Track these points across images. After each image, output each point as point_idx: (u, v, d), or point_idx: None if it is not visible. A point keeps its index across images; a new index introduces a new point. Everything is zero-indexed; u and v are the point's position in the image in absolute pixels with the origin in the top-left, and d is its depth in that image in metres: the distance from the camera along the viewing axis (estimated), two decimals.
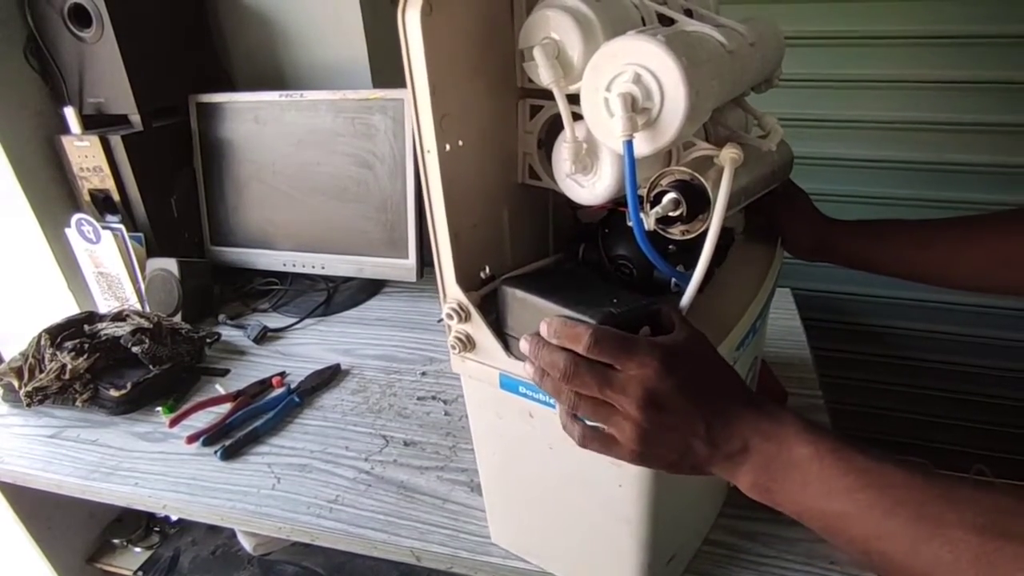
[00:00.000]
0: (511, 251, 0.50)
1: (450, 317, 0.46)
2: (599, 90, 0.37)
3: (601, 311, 0.39)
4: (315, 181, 1.04)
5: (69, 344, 0.82)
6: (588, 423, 0.39)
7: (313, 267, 1.08)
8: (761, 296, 0.49)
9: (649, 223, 0.39)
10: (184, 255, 1.02)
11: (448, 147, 0.41)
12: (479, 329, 0.45)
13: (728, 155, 0.39)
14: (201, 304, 1.03)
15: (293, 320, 1.02)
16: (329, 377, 0.86)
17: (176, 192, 1.08)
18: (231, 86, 1.18)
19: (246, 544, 0.96)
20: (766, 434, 0.35)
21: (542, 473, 0.51)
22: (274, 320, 1.03)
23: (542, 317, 0.40)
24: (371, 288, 1.11)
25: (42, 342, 0.82)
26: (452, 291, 0.45)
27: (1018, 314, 1.11)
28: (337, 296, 1.08)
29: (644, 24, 0.42)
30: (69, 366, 0.80)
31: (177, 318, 0.98)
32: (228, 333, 0.99)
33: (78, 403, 0.81)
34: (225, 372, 0.90)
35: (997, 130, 0.98)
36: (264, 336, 0.97)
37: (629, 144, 0.36)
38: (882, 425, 1.29)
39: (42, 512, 0.90)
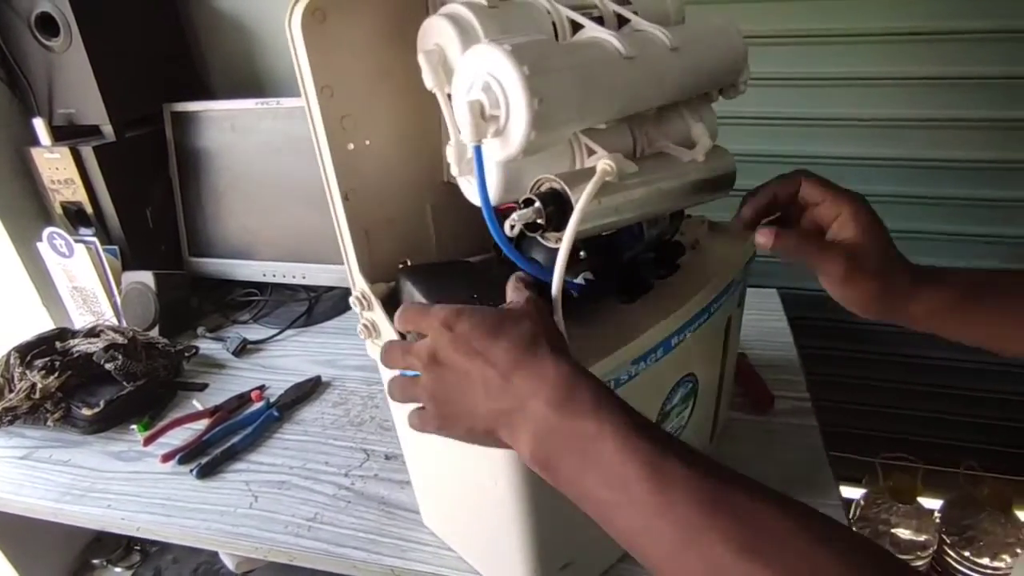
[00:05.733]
0: (436, 245, 0.52)
1: (356, 305, 0.49)
2: (460, 96, 0.38)
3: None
4: (294, 189, 1.02)
5: (39, 362, 0.79)
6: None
7: (294, 277, 1.06)
8: (681, 314, 0.47)
9: (514, 228, 0.39)
10: (161, 267, 0.99)
11: (352, 146, 0.44)
12: (381, 317, 0.47)
13: (600, 165, 0.39)
14: (179, 317, 1.01)
15: (274, 331, 1.00)
16: (310, 390, 0.85)
17: (151, 203, 1.05)
18: (209, 94, 1.16)
19: (228, 562, 0.94)
20: (554, 402, 0.32)
21: (444, 465, 0.52)
22: (255, 332, 1.01)
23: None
24: None
25: (11, 361, 0.80)
26: (357, 281, 0.48)
27: None
28: (319, 306, 1.06)
29: (556, 32, 0.42)
30: (39, 385, 0.78)
31: (154, 332, 0.96)
32: (207, 346, 0.97)
33: (50, 423, 0.78)
34: (203, 387, 0.88)
35: (985, 126, 0.97)
36: (244, 349, 0.95)
37: (478, 150, 0.37)
38: (873, 421, 1.29)
39: (17, 534, 0.88)
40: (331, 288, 1.08)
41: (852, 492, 1.27)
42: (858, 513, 1.20)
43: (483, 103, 0.35)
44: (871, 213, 0.43)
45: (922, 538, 1.11)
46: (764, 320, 0.91)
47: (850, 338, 1.18)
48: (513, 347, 0.35)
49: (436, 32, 0.40)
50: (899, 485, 1.15)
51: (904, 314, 0.44)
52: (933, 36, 0.93)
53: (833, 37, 0.97)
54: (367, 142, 0.45)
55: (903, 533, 1.13)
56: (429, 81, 0.41)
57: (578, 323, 0.46)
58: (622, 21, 0.46)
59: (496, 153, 0.37)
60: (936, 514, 1.15)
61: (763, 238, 0.44)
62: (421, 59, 0.40)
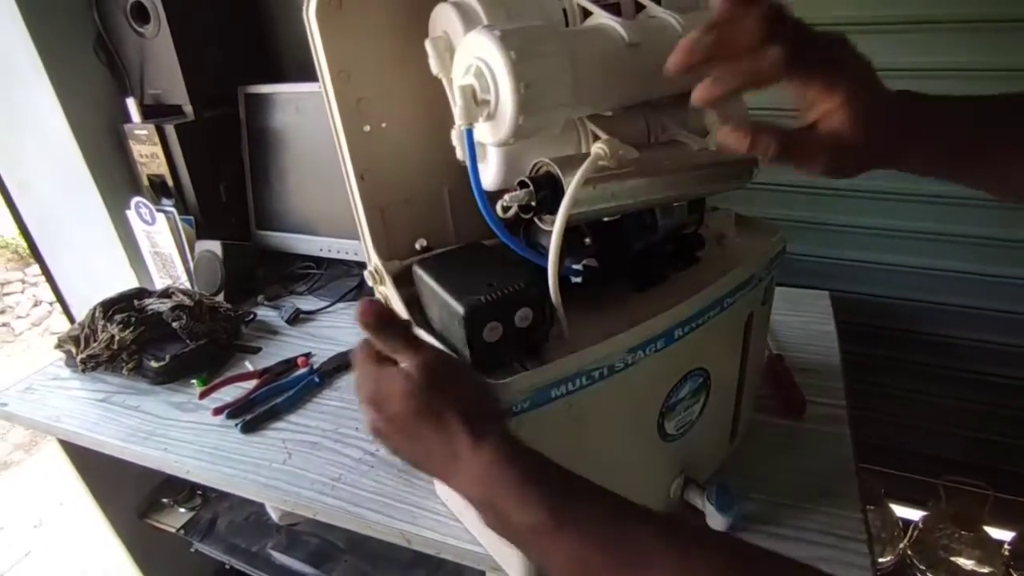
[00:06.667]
0: (454, 225, 0.53)
1: (370, 279, 0.52)
2: (456, 81, 0.39)
3: (470, 299, 0.41)
4: None
5: (118, 317, 0.89)
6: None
7: (347, 253, 1.11)
8: (684, 307, 0.46)
9: (509, 211, 0.40)
10: (232, 238, 1.08)
11: (368, 128, 0.46)
12: (391, 292, 0.50)
13: (594, 149, 0.39)
14: (243, 285, 1.09)
15: (325, 304, 1.06)
16: (350, 360, 0.89)
17: (225, 178, 1.14)
18: (282, 77, 1.24)
19: (273, 515, 1.01)
20: (478, 480, 0.37)
21: None
22: (308, 303, 1.07)
23: (434, 296, 0.44)
24: None
25: (96, 314, 0.90)
26: (371, 257, 0.51)
27: None
28: None
29: (567, 18, 0.43)
30: (117, 337, 0.87)
31: (220, 297, 1.04)
32: (265, 313, 1.04)
33: (124, 371, 0.88)
34: (257, 350, 0.95)
35: None
36: (296, 318, 1.02)
37: (469, 133, 0.38)
38: (941, 441, 1.19)
39: (98, 468, 0.99)
40: None
41: (911, 514, 1.18)
42: (915, 536, 1.12)
43: (475, 87, 0.37)
44: (864, 99, 0.35)
45: (985, 570, 1.03)
46: (811, 323, 0.86)
47: (920, 350, 1.09)
48: (438, 443, 0.39)
49: (443, 20, 0.42)
50: (964, 511, 1.07)
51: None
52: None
53: (917, 24, 0.89)
54: (383, 124, 0.47)
55: (964, 562, 1.05)
56: (435, 67, 0.42)
57: (580, 308, 0.46)
58: (641, 8, 0.45)
59: (488, 137, 0.38)
60: (1005, 546, 1.06)
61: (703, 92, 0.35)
62: (428, 46, 0.42)
